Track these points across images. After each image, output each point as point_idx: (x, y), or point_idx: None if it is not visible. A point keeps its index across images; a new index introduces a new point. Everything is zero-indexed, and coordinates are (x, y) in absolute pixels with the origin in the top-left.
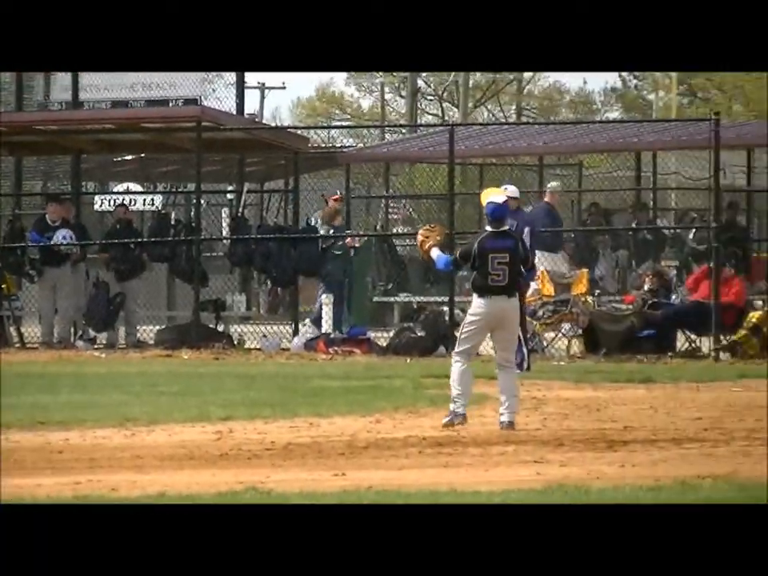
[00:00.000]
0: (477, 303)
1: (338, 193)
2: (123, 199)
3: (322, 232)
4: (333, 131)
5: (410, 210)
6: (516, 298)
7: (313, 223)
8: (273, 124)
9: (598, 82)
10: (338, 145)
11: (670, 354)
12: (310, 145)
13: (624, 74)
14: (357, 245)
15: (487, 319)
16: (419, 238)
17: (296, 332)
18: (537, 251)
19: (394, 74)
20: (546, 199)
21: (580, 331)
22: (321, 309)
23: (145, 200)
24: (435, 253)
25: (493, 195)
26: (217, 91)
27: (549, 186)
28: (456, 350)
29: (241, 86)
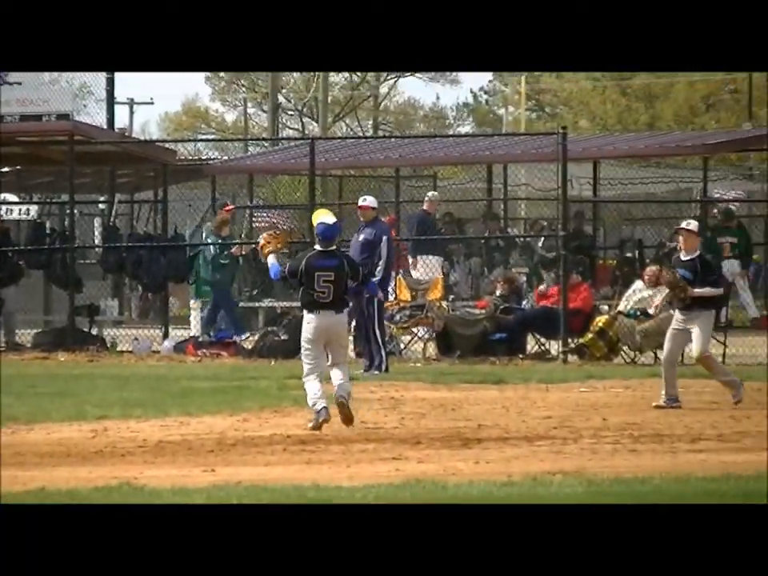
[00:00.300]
0: (307, 318)
1: (228, 203)
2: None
3: (210, 240)
4: (199, 144)
5: (278, 221)
6: (344, 313)
7: (204, 234)
8: (142, 138)
9: (451, 97)
10: (204, 157)
11: (520, 356)
12: (177, 157)
13: (475, 89)
14: (243, 253)
15: (318, 332)
16: (261, 241)
17: (166, 335)
18: (419, 255)
19: (256, 89)
20: (424, 207)
21: (435, 335)
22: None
23: (21, 210)
24: (270, 260)
25: (323, 216)
26: (88, 107)
27: (428, 194)
28: (306, 373)
29: (111, 102)
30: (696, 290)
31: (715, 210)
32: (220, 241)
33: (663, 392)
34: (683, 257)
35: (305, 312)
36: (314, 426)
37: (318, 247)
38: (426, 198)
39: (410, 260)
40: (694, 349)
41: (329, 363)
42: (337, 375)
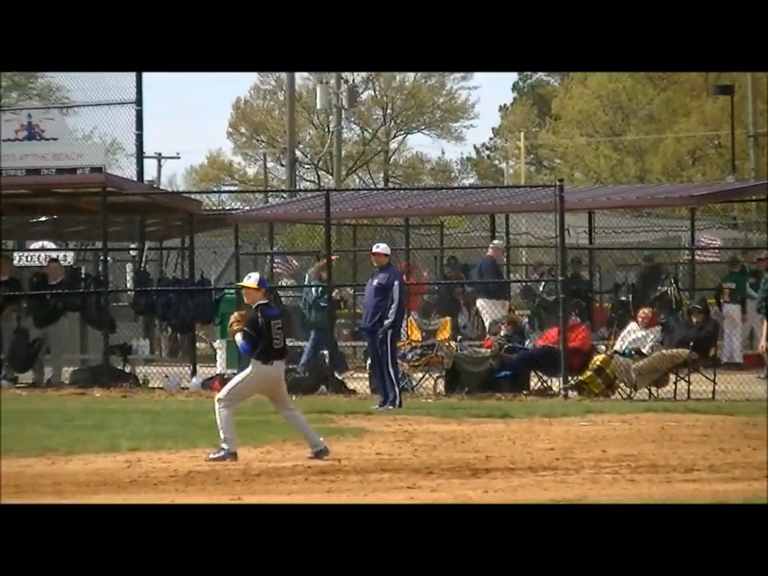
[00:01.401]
0: (262, 369)
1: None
2: (57, 255)
3: (312, 284)
4: (222, 195)
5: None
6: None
7: (307, 279)
8: (169, 189)
9: (455, 152)
10: (227, 207)
11: (524, 392)
12: (202, 208)
13: (477, 145)
14: (341, 297)
15: (267, 383)
16: (231, 319)
17: (194, 372)
18: (482, 299)
19: (275, 144)
20: (489, 253)
21: (445, 372)
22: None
23: (58, 256)
24: (238, 338)
25: (249, 277)
26: (119, 160)
27: (493, 242)
28: (225, 397)
29: (140, 156)
30: None
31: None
32: (321, 285)
33: None
34: None
35: (257, 363)
36: (218, 458)
37: (261, 301)
38: (492, 245)
39: (479, 300)
40: None
41: (282, 409)
42: (300, 429)
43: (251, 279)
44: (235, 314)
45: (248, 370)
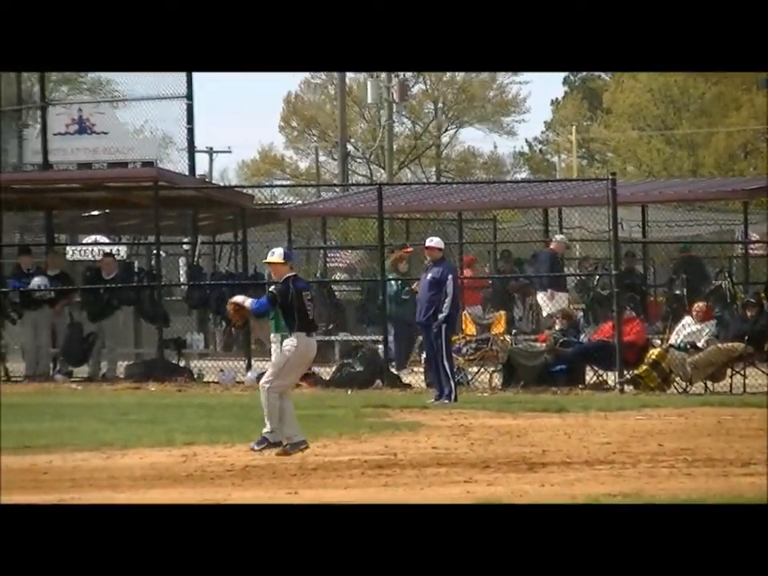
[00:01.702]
0: (305, 341)
1: (408, 246)
2: (111, 250)
3: (392, 277)
4: (275, 190)
5: (352, 260)
6: None
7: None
8: (221, 184)
9: (507, 146)
10: (280, 202)
11: (580, 386)
12: (254, 202)
13: (529, 139)
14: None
15: (309, 356)
16: (229, 308)
17: (249, 366)
18: (542, 291)
19: (327, 138)
20: (551, 247)
21: (500, 366)
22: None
23: (111, 251)
24: (247, 302)
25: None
26: (170, 154)
27: (556, 237)
28: (271, 381)
29: (192, 150)
30: None
31: None
32: (400, 278)
33: None
34: None
35: (300, 335)
36: (263, 448)
37: (289, 273)
38: (555, 239)
39: (539, 293)
40: None
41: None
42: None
43: (275, 255)
44: (232, 301)
45: (289, 347)
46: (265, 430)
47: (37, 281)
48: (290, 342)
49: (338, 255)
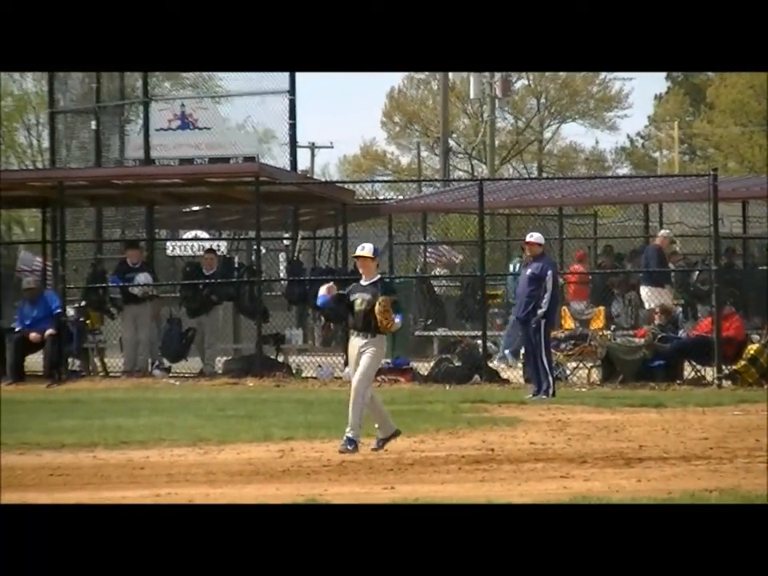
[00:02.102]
0: (384, 342)
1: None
2: (211, 245)
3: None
4: (376, 185)
5: (454, 256)
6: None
7: (511, 267)
8: (322, 179)
9: (609, 142)
10: (381, 197)
11: (678, 381)
12: (355, 197)
13: (631, 134)
14: None
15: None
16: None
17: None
18: (645, 286)
19: (428, 134)
20: (656, 242)
21: (599, 361)
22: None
23: (211, 246)
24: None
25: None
26: (272, 150)
27: (661, 232)
28: (366, 382)
29: (293, 146)
30: None
31: None
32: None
33: None
34: None
35: (382, 337)
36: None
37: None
38: (660, 235)
39: (643, 288)
40: None
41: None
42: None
43: (365, 249)
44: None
45: (375, 349)
46: (353, 433)
47: (141, 278)
48: (377, 346)
49: (437, 251)
